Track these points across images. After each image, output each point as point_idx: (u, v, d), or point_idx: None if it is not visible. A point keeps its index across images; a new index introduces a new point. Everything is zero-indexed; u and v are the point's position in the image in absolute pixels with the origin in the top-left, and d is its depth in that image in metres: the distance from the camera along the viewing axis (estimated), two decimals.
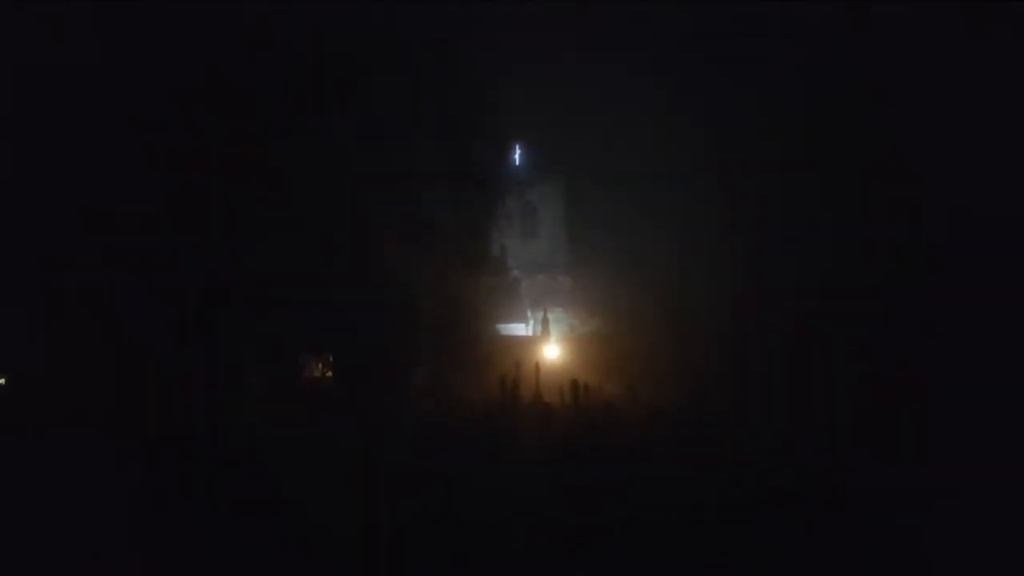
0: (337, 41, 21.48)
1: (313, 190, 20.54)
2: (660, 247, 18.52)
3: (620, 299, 20.60)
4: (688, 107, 20.02)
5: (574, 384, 21.36)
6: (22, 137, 19.42)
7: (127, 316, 19.60)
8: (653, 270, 18.37)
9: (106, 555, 9.28)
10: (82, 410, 18.88)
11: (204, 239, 19.05)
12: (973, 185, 15.53)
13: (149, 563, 9.07)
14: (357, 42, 21.62)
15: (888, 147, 16.47)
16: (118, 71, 19.51)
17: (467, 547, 9.47)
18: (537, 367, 23.32)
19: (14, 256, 19.39)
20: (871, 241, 16.22)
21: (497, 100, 23.72)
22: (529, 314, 28.49)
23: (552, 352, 25.98)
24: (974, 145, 15.77)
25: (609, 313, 22.17)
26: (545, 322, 27.97)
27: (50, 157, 19.41)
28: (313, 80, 20.88)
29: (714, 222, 16.72)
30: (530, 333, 28.78)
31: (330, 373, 24.04)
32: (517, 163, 26.83)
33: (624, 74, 22.06)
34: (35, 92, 19.28)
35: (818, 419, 15.80)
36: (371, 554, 8.94)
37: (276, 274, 19.68)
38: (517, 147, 26.63)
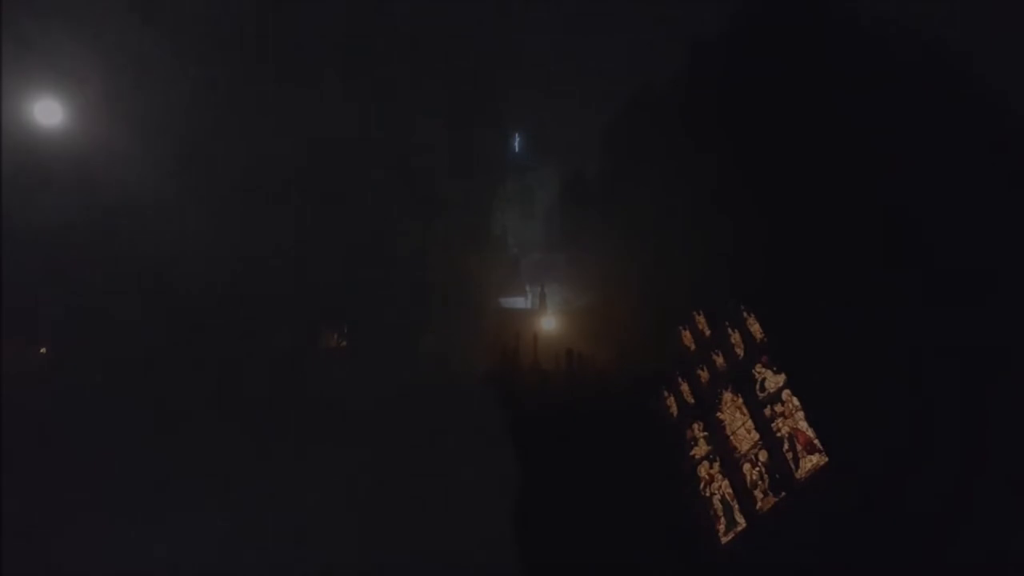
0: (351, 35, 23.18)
1: (334, 174, 22.38)
2: (648, 227, 19.96)
3: (611, 275, 22.09)
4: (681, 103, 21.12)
5: (569, 353, 23.17)
6: None
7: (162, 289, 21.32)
8: (642, 249, 19.83)
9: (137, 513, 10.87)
10: (119, 375, 20.65)
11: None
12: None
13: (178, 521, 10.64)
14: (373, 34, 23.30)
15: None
16: None
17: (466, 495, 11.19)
18: (535, 337, 25.01)
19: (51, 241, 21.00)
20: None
21: (502, 91, 25.34)
22: (528, 289, 30.08)
23: (549, 324, 27.61)
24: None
25: (602, 288, 23.68)
26: (542, 296, 29.54)
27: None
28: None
29: (697, 206, 18.09)
30: (528, 306, 30.36)
31: (344, 343, 25.73)
32: (517, 149, 28.51)
33: (619, 69, 23.59)
34: None
35: None
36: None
37: (302, 252, 21.55)
38: (517, 135, 28.33)
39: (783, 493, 14.31)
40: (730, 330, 16.59)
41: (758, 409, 15.29)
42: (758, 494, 14.82)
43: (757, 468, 15.00)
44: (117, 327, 20.82)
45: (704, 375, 16.88)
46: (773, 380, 15.32)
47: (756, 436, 15.22)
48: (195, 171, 20.24)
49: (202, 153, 20.35)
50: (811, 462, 14.06)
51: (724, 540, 15.11)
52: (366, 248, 23.41)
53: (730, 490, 15.36)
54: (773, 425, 14.93)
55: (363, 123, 24.50)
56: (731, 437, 15.76)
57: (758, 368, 15.69)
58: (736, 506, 15.13)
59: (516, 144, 28.52)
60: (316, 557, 17.51)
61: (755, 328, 16.06)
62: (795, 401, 14.71)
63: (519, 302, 31.17)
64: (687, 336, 17.56)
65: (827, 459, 13.76)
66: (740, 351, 16.23)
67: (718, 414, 16.24)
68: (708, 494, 15.81)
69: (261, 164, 22.40)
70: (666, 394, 17.40)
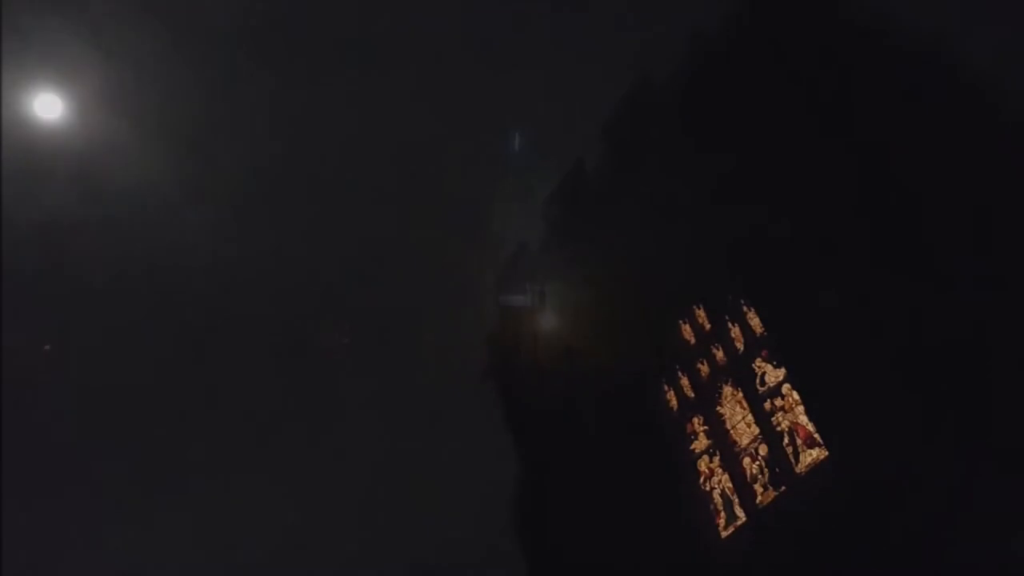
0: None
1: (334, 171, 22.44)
2: (649, 222, 19.91)
3: (612, 272, 22.08)
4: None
5: (568, 351, 23.13)
6: None
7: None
8: (642, 244, 19.78)
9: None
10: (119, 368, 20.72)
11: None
12: None
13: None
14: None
15: None
16: None
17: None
18: (535, 335, 25.01)
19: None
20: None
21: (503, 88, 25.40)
22: (527, 287, 30.09)
23: (548, 322, 27.62)
24: None
25: (602, 285, 23.68)
26: (542, 295, 29.56)
27: None
28: None
29: (697, 200, 18.02)
30: (528, 304, 30.36)
31: (346, 340, 25.82)
32: (517, 147, 28.53)
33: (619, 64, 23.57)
34: None
35: None
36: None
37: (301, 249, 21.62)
38: (517, 133, 28.35)
39: (783, 487, 14.29)
40: (730, 324, 16.57)
41: (758, 403, 15.27)
42: (758, 488, 14.80)
43: (757, 462, 14.98)
44: (117, 320, 20.90)
45: (704, 369, 16.85)
46: (773, 374, 15.31)
47: (756, 430, 15.19)
48: (194, 165, 20.26)
49: (202, 148, 20.37)
50: (811, 456, 14.04)
51: (724, 534, 15.08)
52: (366, 246, 23.43)
53: (730, 484, 15.33)
54: (773, 419, 14.91)
55: (364, 121, 24.48)
56: (731, 431, 15.74)
57: (758, 362, 15.68)
58: (736, 500, 15.10)
59: (516, 142, 28.55)
60: (316, 555, 17.46)
61: (755, 322, 16.05)
62: (795, 395, 14.70)
63: (519, 300, 31.22)
64: (687, 330, 17.53)
65: (827, 453, 13.73)
66: (740, 345, 16.21)
67: (718, 408, 16.22)
68: (708, 488, 15.78)
69: (261, 160, 22.42)
70: (666, 388, 17.36)
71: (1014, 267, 12.48)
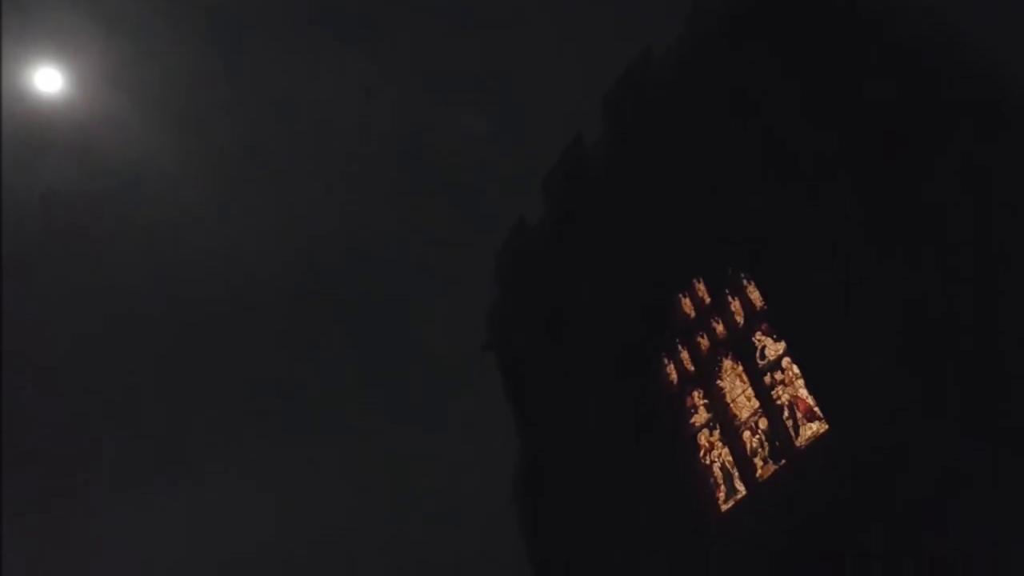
0: None
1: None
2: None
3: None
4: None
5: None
6: None
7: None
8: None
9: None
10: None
11: None
12: None
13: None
14: None
15: None
16: None
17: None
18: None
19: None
20: None
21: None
22: None
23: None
24: None
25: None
26: None
27: None
28: None
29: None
30: None
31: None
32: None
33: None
34: None
35: None
36: None
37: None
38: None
39: (783, 461, 14.32)
40: (730, 298, 16.53)
41: (758, 377, 15.27)
42: (758, 462, 14.83)
43: (757, 436, 15.01)
44: (116, 294, 20.94)
45: (704, 343, 16.82)
46: (773, 348, 15.29)
47: (756, 404, 15.21)
48: (193, 140, 20.19)
49: (201, 122, 20.29)
50: (811, 430, 14.06)
51: (724, 508, 15.13)
52: (363, 222, 23.37)
53: (730, 458, 15.36)
54: (773, 393, 14.92)
55: (361, 97, 24.28)
56: (731, 405, 15.75)
57: (758, 336, 15.66)
58: (736, 474, 15.14)
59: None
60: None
61: (755, 296, 16.00)
62: (795, 369, 14.69)
63: None
64: (687, 303, 17.49)
65: (827, 427, 13.75)
66: (740, 319, 16.18)
67: (718, 382, 16.22)
68: (708, 462, 15.82)
69: (260, 136, 22.33)
70: (666, 362, 17.35)
71: (1014, 245, 12.41)
